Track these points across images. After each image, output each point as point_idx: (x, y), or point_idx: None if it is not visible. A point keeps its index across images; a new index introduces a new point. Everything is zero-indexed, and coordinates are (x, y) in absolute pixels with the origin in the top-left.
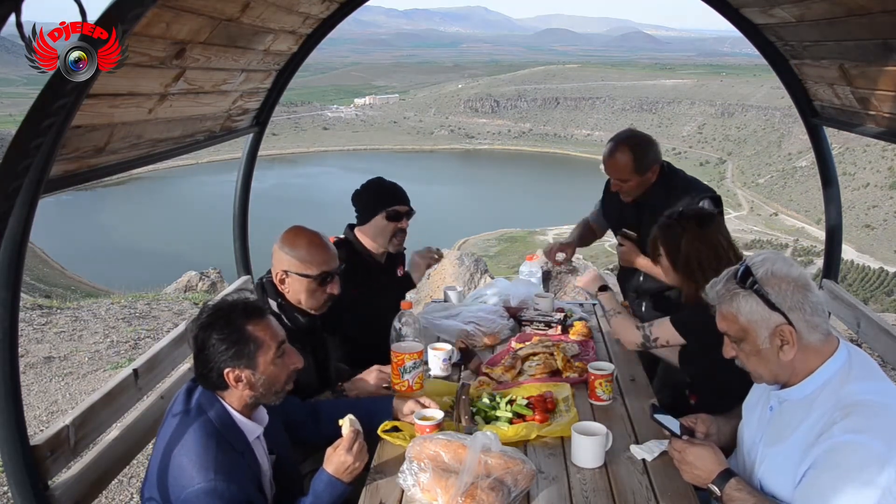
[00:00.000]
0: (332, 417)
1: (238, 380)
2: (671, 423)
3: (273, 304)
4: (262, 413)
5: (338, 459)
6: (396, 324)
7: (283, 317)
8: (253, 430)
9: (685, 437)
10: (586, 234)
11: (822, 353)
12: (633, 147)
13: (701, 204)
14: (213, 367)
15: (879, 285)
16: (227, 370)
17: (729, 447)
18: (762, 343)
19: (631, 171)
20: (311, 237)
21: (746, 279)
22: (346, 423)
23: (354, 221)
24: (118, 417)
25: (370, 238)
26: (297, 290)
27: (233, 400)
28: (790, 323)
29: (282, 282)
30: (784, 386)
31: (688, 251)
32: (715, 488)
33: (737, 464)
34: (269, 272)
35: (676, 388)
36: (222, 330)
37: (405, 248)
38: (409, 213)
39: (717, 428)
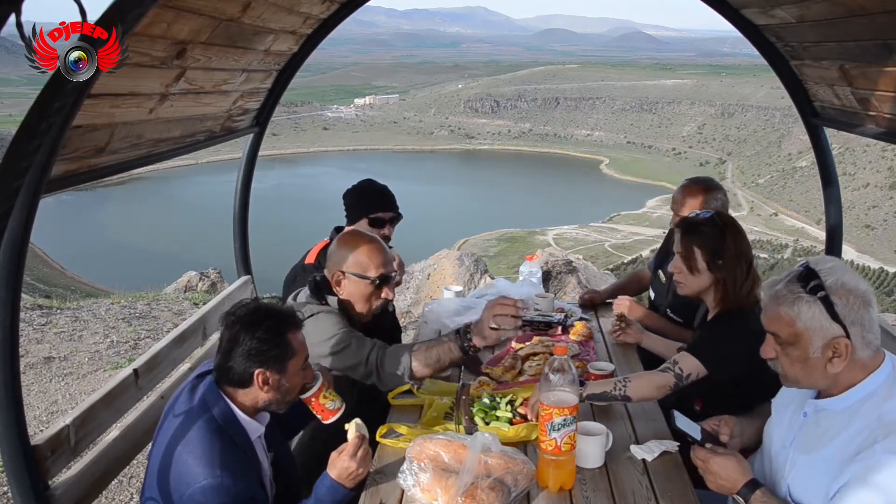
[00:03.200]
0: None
1: (266, 382)
2: (692, 428)
3: (333, 300)
4: (264, 413)
5: (341, 465)
6: (547, 370)
7: (342, 314)
8: (255, 429)
9: (708, 445)
10: (628, 285)
11: (867, 367)
12: (707, 187)
13: None
14: (241, 363)
15: (879, 285)
16: (258, 370)
17: (752, 448)
18: (813, 352)
19: (699, 208)
20: (371, 240)
21: (813, 284)
22: (353, 428)
23: (342, 224)
24: (118, 417)
25: None
26: (351, 293)
27: (245, 399)
28: (848, 337)
29: (338, 283)
30: (821, 394)
31: (734, 246)
32: (740, 499)
33: (762, 463)
34: (320, 273)
35: (681, 393)
36: (268, 331)
37: (392, 247)
38: (394, 219)
39: (741, 429)
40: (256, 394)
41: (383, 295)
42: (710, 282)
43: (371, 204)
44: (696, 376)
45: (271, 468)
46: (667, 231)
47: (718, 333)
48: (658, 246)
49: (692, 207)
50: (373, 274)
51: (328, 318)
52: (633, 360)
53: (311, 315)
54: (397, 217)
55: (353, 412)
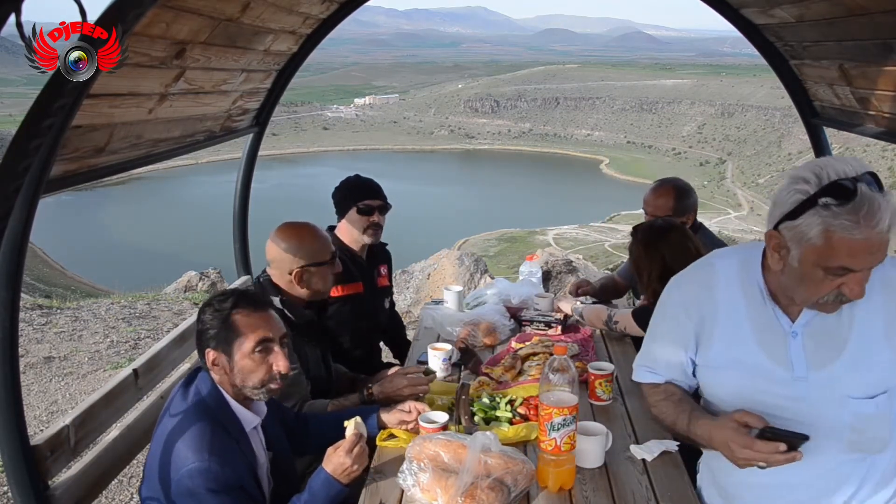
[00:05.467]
0: (319, 431)
1: (215, 363)
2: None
3: (276, 300)
4: (260, 406)
5: (337, 460)
6: (547, 370)
7: (285, 311)
8: (249, 419)
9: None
10: (608, 286)
11: None
12: (677, 188)
13: None
14: (200, 344)
15: None
16: (208, 350)
17: None
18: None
19: (668, 209)
20: (310, 227)
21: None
22: (351, 425)
23: (335, 225)
24: (118, 417)
25: (347, 234)
26: (315, 282)
27: (224, 385)
28: None
29: (300, 279)
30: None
31: (635, 253)
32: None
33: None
34: (264, 272)
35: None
36: (213, 312)
37: (386, 244)
38: (383, 207)
39: None
40: (217, 375)
41: (336, 269)
42: None
43: (358, 193)
44: (625, 330)
45: (269, 463)
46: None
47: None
48: None
49: (661, 208)
50: (328, 256)
51: None
52: (632, 359)
53: None
54: (386, 206)
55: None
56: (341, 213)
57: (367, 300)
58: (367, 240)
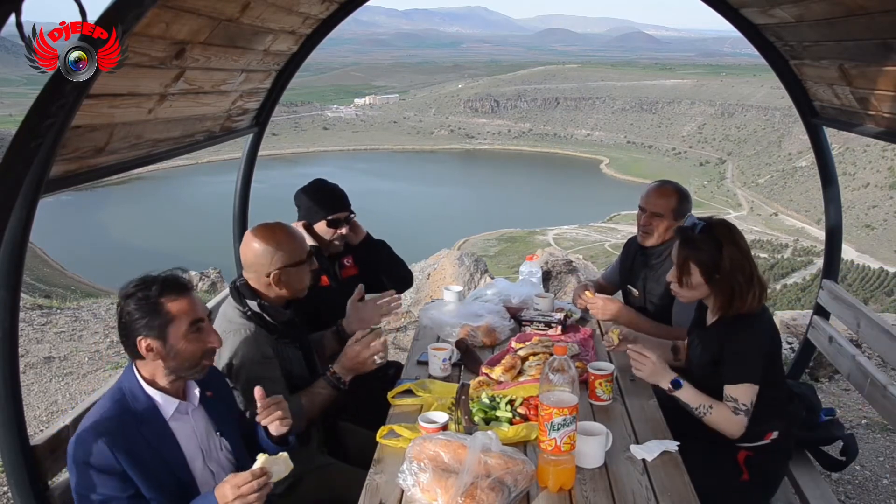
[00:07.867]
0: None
1: (149, 349)
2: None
3: (253, 304)
4: (192, 391)
5: (222, 490)
6: (547, 370)
7: (264, 316)
8: (165, 403)
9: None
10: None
11: None
12: (679, 191)
13: None
14: (129, 335)
15: (879, 285)
16: (139, 338)
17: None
18: None
19: (669, 210)
20: (284, 228)
21: None
22: (260, 461)
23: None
24: None
25: (310, 235)
26: (294, 282)
27: (146, 372)
28: None
29: (278, 281)
30: None
31: (730, 260)
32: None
33: None
34: (241, 276)
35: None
36: (139, 300)
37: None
38: (349, 217)
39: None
40: (150, 364)
41: (314, 266)
42: (708, 292)
43: (329, 205)
44: (755, 395)
45: (227, 453)
46: (625, 241)
47: (743, 348)
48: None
49: (662, 207)
50: (304, 255)
51: (249, 355)
52: None
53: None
54: (351, 215)
55: (355, 412)
56: (307, 220)
57: (334, 291)
58: (334, 248)
